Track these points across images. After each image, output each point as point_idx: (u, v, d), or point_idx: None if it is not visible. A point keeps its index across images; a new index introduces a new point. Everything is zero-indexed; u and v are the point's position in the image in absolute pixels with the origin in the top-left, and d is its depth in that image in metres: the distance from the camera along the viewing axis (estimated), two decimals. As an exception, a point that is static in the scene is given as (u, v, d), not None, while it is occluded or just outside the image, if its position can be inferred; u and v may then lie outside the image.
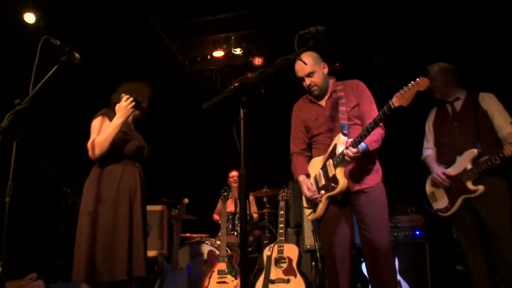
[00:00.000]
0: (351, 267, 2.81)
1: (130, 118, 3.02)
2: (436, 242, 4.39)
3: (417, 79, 2.34)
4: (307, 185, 2.88)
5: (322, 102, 2.97)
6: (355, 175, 2.79)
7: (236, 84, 1.66)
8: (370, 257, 2.76)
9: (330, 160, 2.76)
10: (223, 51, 5.87)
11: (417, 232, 4.52)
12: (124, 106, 2.81)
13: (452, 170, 3.26)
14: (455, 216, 3.29)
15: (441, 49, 4.88)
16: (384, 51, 5.69)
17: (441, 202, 3.38)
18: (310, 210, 2.93)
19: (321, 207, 2.83)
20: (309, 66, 2.84)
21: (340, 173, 2.70)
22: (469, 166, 3.16)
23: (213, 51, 5.90)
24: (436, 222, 3.71)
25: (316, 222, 3.10)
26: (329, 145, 2.84)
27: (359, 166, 2.78)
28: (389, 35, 5.43)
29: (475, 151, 3.14)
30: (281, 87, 5.54)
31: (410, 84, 2.35)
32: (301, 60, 2.06)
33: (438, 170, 3.34)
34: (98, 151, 2.73)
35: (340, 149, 2.70)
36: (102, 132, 2.79)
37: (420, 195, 3.62)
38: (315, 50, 2.82)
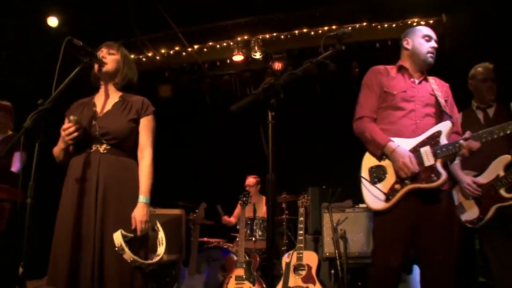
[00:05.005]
0: (399, 277, 2.47)
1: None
2: (459, 252, 4.26)
3: None
4: (411, 157, 2.40)
5: (416, 79, 2.68)
6: None
7: (265, 86, 1.61)
8: (426, 270, 2.44)
9: (428, 147, 2.44)
10: (243, 55, 5.85)
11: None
12: (61, 133, 2.28)
13: (482, 179, 3.14)
14: (483, 226, 3.15)
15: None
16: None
17: (470, 212, 3.20)
18: (384, 196, 2.46)
19: (398, 196, 2.42)
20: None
21: (441, 165, 2.39)
22: (501, 173, 3.05)
23: (233, 55, 5.88)
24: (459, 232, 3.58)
25: (374, 215, 2.57)
26: (407, 127, 2.52)
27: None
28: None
29: (508, 157, 3.04)
30: (301, 92, 5.49)
31: None
32: (327, 62, 1.99)
33: (468, 179, 3.17)
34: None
35: (443, 138, 2.43)
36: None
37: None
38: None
